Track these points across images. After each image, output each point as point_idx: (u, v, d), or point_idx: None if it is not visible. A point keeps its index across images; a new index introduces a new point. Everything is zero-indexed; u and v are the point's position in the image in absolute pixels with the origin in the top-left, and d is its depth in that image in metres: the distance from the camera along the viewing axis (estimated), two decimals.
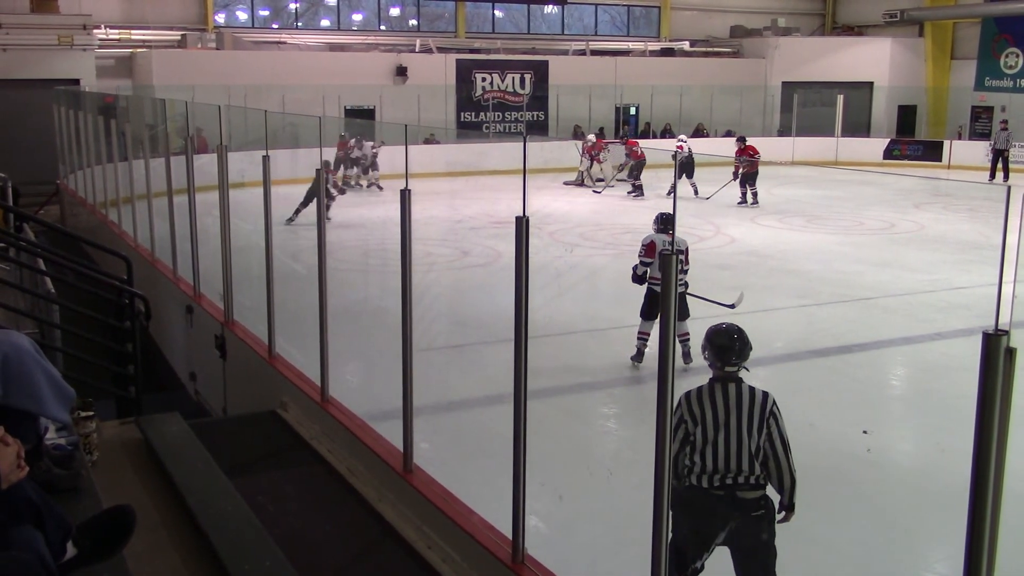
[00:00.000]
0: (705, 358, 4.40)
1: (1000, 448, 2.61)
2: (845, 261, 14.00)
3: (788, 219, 18.25)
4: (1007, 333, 2.56)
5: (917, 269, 13.50)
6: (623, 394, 8.31)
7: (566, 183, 22.99)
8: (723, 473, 4.11)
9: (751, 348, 4.33)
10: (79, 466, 4.10)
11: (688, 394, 4.22)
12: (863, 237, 16.56)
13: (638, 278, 8.58)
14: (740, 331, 4.32)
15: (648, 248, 8.49)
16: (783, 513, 4.27)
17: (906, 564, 5.49)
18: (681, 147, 21.12)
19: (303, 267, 11.00)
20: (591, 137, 23.79)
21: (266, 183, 7.52)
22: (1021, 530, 5.23)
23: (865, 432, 7.12)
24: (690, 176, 20.38)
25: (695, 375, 8.60)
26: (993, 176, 24.59)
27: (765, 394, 4.23)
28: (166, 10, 26.72)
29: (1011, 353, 2.57)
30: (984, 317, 2.60)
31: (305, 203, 14.30)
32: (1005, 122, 26.12)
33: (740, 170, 19.94)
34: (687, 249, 8.62)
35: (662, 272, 3.45)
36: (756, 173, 19.84)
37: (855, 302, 11.61)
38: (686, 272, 8.38)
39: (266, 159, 7.24)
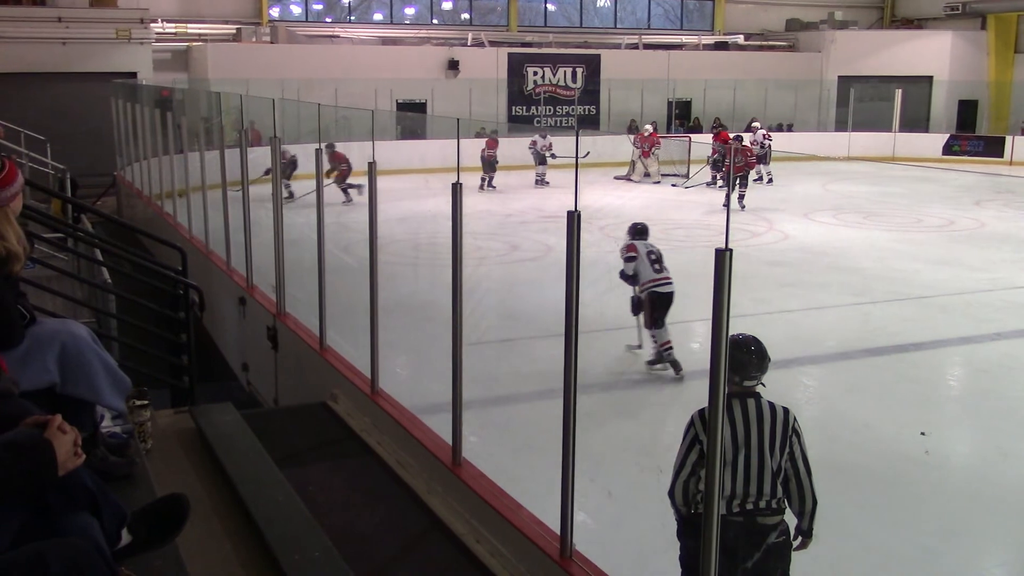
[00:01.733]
0: None
1: None
2: (902, 259, 13.75)
3: (843, 215, 17.96)
4: None
5: (976, 267, 13.21)
6: (673, 390, 8.23)
7: (617, 177, 22.88)
8: (742, 498, 3.76)
9: (770, 360, 4.01)
10: (134, 454, 4.15)
11: (703, 411, 3.75)
12: (921, 234, 16.25)
13: (628, 277, 8.50)
14: (758, 343, 3.99)
15: (628, 247, 8.54)
16: (799, 539, 3.96)
17: (962, 569, 5.37)
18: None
19: (354, 260, 11.06)
20: (648, 127, 23.64)
21: (319, 176, 7.57)
22: None
23: (923, 434, 6.98)
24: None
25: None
26: None
27: (786, 410, 3.91)
28: (221, 4, 27.08)
29: None
30: None
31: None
32: None
33: (715, 155, 20.14)
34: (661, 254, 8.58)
35: (715, 268, 3.32)
36: (747, 173, 19.21)
37: (912, 300, 11.40)
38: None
39: (319, 152, 7.28)
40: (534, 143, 22.28)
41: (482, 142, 21.40)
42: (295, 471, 5.25)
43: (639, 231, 8.83)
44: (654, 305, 8.31)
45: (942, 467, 6.64)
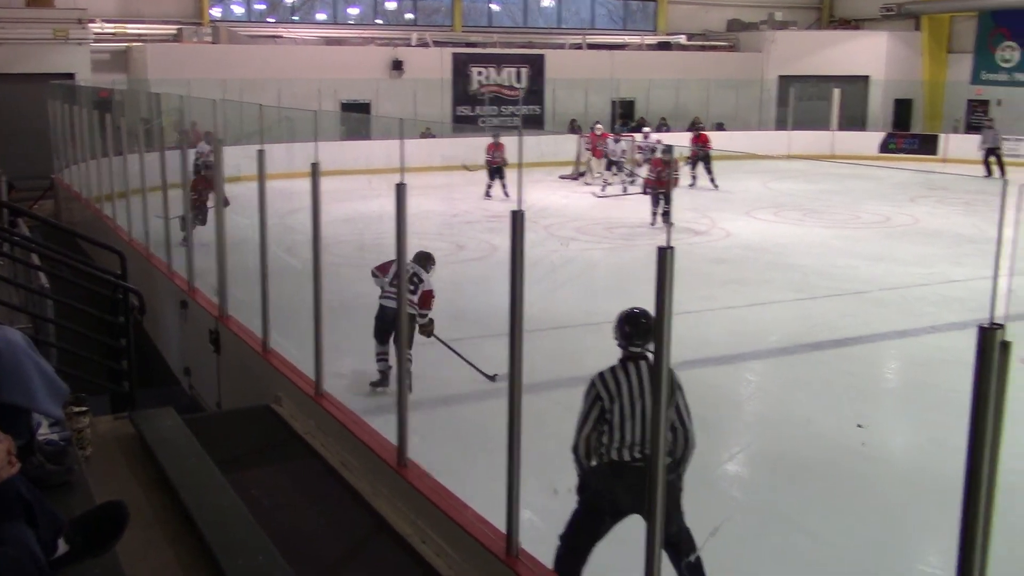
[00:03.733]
0: (615, 339, 4.61)
1: (994, 441, 2.61)
2: (840, 255, 14.01)
3: (784, 213, 18.25)
4: (1002, 327, 2.56)
5: (912, 263, 13.51)
6: None
7: (562, 177, 22.95)
8: (642, 444, 4.37)
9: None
10: (72, 462, 4.09)
11: (601, 374, 4.47)
12: (859, 231, 16.56)
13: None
14: (647, 314, 4.42)
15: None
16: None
17: (900, 556, 5.50)
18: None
19: (298, 261, 10.96)
20: (599, 126, 23.26)
21: (261, 177, 7.51)
22: (1014, 523, 5.24)
23: (860, 426, 7.13)
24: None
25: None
26: (989, 175, 24.50)
27: (670, 369, 4.08)
28: (161, 4, 26.67)
29: (1006, 347, 2.57)
30: (978, 311, 2.60)
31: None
32: (991, 120, 26.18)
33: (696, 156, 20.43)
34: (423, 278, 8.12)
35: (658, 267, 3.43)
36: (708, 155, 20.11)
37: (850, 296, 11.62)
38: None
39: (261, 153, 7.22)
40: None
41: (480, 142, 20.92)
42: (238, 475, 5.20)
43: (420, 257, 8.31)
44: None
45: (881, 458, 6.79)
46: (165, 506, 4.65)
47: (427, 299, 8.05)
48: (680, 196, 19.62)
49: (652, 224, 16.04)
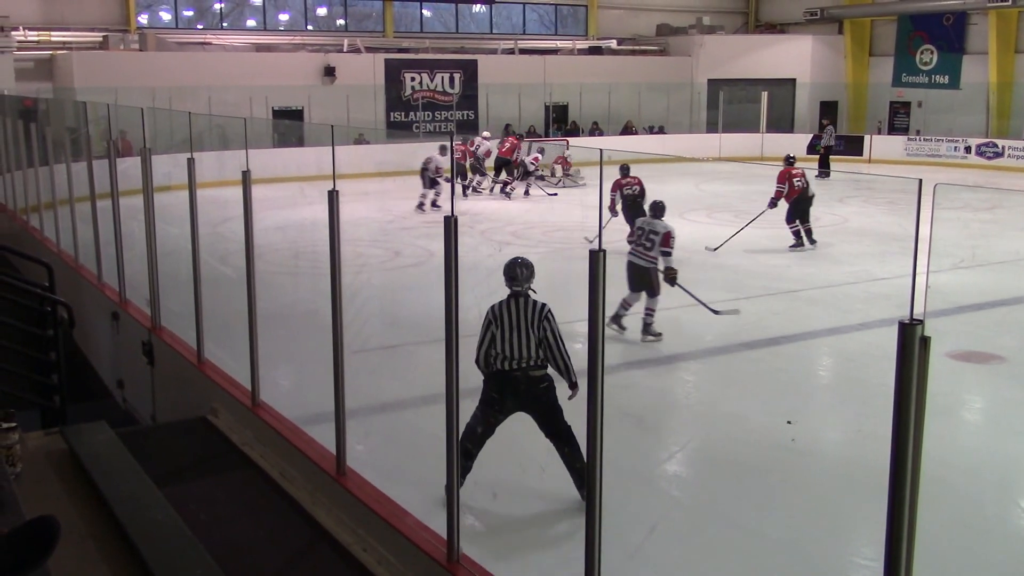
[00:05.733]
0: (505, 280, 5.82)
1: (917, 432, 2.70)
2: (772, 255, 14.27)
3: (717, 214, 18.51)
4: (921, 322, 2.64)
5: (841, 261, 13.82)
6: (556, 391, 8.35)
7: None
8: (518, 359, 5.65)
9: (533, 274, 5.85)
10: (1, 479, 4.00)
11: (493, 306, 5.76)
12: (785, 230, 16.86)
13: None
14: (525, 262, 5.86)
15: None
16: (573, 392, 5.69)
17: (834, 549, 5.62)
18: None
19: (232, 270, 10.84)
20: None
21: (191, 186, 7.41)
22: (940, 512, 5.40)
23: (789, 423, 7.27)
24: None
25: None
26: (828, 175, 24.54)
27: (543, 305, 5.75)
28: (86, 11, 26.12)
29: (926, 341, 2.65)
30: (904, 307, 2.68)
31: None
32: (828, 120, 27.30)
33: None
34: (660, 232, 9.60)
35: (590, 269, 3.52)
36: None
37: (782, 295, 11.85)
38: (667, 255, 9.54)
39: (191, 161, 7.13)
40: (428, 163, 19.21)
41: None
42: (175, 489, 5.14)
43: (653, 207, 10.25)
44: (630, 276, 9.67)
45: (812, 453, 6.93)
46: (99, 522, 4.57)
47: (667, 241, 9.56)
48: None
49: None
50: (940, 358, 8.27)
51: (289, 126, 26.09)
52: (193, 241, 7.23)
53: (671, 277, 9.59)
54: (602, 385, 3.51)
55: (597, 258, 3.41)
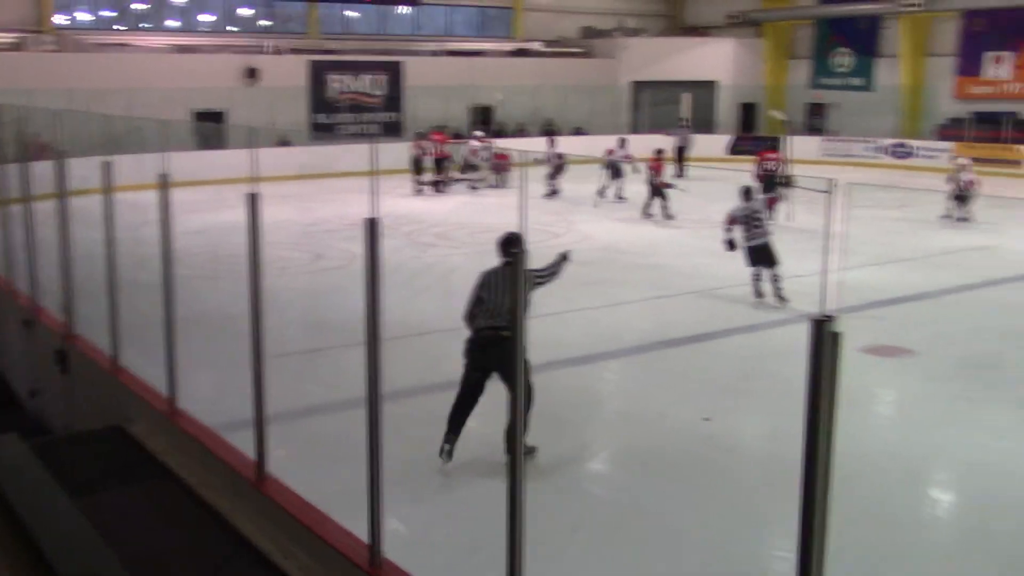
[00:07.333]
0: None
1: (828, 425, 2.77)
2: (696, 253, 14.48)
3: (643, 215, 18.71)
4: (831, 318, 2.71)
5: None
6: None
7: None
8: (498, 318, 6.21)
9: (519, 245, 6.30)
10: None
11: (486, 271, 6.43)
12: (712, 230, 17.10)
13: (728, 245, 11.57)
14: (517, 236, 6.43)
15: (727, 218, 11.54)
16: (565, 255, 6.89)
17: (753, 543, 5.73)
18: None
19: (150, 275, 10.63)
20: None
21: (107, 190, 7.25)
22: (852, 505, 5.54)
23: (706, 419, 7.39)
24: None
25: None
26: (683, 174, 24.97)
27: (529, 272, 6.02)
28: (0, 10, 25.33)
29: (836, 337, 2.73)
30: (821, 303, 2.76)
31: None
32: (684, 120, 28.25)
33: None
34: (762, 208, 11.73)
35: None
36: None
37: (704, 293, 12.03)
38: (763, 226, 11.34)
39: (107, 165, 6.98)
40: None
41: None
42: (89, 500, 5.03)
43: (745, 191, 11.77)
44: (752, 255, 11.38)
45: (732, 449, 7.05)
46: (9, 536, 4.45)
47: (772, 204, 12.55)
48: (538, 202, 19.91)
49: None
50: (852, 352, 8.47)
51: (211, 128, 25.67)
52: (109, 246, 7.07)
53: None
54: (523, 382, 3.52)
55: (517, 259, 3.45)
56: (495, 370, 6.28)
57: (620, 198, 20.38)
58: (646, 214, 18.35)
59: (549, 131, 27.00)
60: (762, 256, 11.32)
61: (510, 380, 5.93)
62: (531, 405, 6.21)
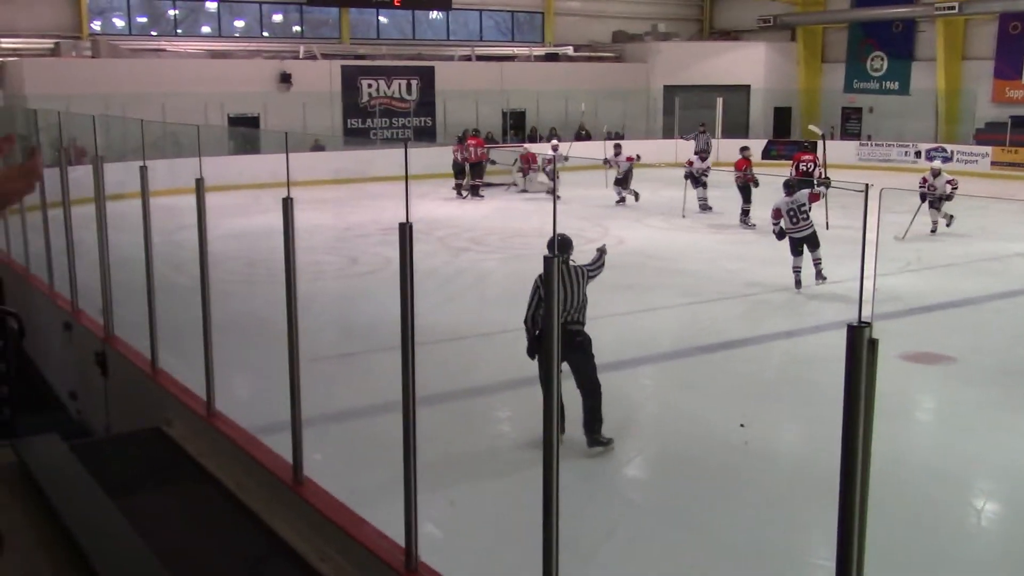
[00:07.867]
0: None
1: (866, 433, 2.73)
2: (729, 259, 14.41)
3: (674, 220, 18.65)
4: (869, 324, 2.69)
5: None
6: (512, 397, 8.36)
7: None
8: (565, 316, 6.68)
9: (572, 247, 7.19)
10: None
11: (541, 275, 6.32)
12: (745, 235, 17.04)
13: (778, 235, 12.23)
14: (567, 238, 7.10)
15: (773, 212, 12.24)
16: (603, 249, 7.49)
17: (790, 550, 5.69)
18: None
19: (186, 279, 10.73)
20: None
21: (144, 194, 7.32)
22: (891, 512, 5.48)
23: (742, 426, 7.34)
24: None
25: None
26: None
27: (585, 269, 7.03)
28: (38, 18, 25.69)
29: (873, 343, 2.69)
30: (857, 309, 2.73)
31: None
32: (704, 126, 27.62)
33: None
34: (806, 201, 12.18)
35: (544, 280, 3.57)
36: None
37: (738, 299, 11.96)
38: (808, 218, 12.05)
39: (143, 169, 7.05)
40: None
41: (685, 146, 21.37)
42: (128, 501, 5.06)
43: (787, 184, 12.56)
44: (793, 245, 12.21)
45: (769, 455, 7.00)
46: (51, 536, 4.49)
47: (815, 199, 12.58)
48: (570, 206, 19.88)
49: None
50: (891, 360, 8.39)
51: (245, 133, 25.89)
52: (147, 250, 7.15)
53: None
54: (559, 388, 3.52)
55: (552, 264, 3.43)
56: (564, 360, 6.52)
57: (704, 207, 19.75)
58: (744, 223, 17.79)
59: (613, 136, 26.97)
60: (808, 243, 12.19)
61: (580, 374, 6.76)
62: (600, 399, 6.73)
